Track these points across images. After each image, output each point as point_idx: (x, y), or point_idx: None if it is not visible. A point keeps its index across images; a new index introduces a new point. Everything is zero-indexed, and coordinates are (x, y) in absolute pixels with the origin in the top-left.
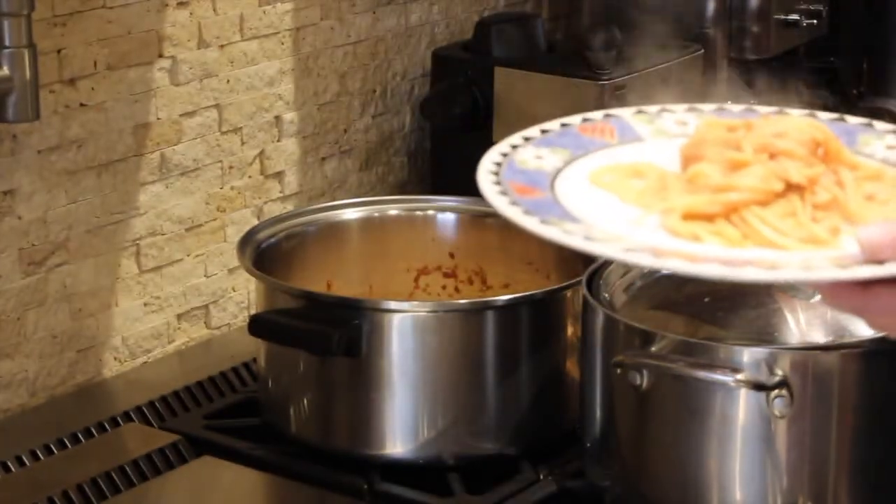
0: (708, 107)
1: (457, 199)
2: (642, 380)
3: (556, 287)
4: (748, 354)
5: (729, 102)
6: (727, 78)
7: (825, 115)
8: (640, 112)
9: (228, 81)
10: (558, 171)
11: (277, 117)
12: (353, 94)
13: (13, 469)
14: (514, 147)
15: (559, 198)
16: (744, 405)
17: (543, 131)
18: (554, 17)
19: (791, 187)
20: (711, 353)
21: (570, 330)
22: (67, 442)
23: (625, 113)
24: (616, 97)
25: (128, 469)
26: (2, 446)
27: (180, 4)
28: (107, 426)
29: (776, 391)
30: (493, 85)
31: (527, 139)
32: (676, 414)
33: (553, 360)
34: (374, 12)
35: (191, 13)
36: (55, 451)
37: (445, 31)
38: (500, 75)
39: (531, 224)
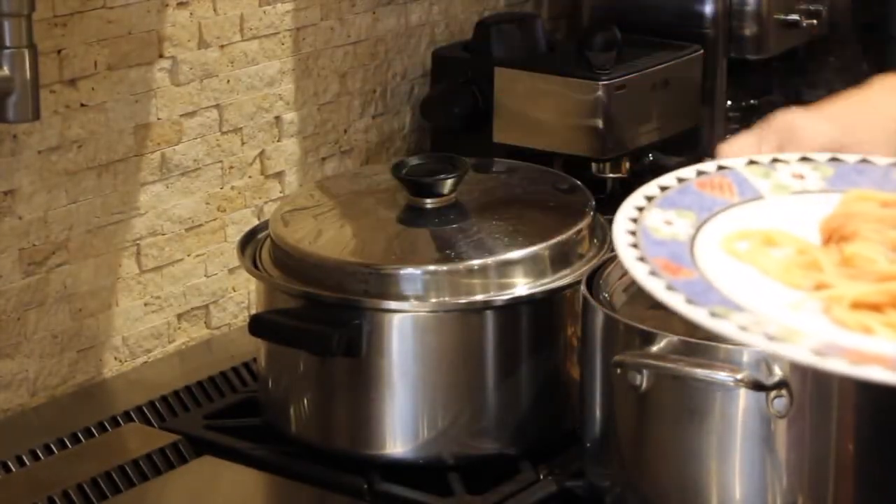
0: (821, 156)
1: None
2: (642, 380)
3: (556, 287)
4: (748, 354)
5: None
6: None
7: None
8: (752, 163)
9: (229, 81)
10: (692, 239)
11: (277, 117)
12: (353, 94)
13: (13, 469)
14: (640, 210)
15: (708, 277)
16: (743, 405)
17: (662, 188)
18: (554, 17)
19: None
20: (711, 353)
21: (570, 330)
22: (68, 442)
23: (737, 164)
24: (616, 97)
25: (128, 469)
26: (2, 446)
27: (180, 5)
28: (107, 426)
29: (776, 391)
30: (493, 85)
31: (649, 199)
32: (676, 414)
33: (553, 360)
34: (374, 12)
35: (191, 13)
36: (55, 451)
37: (445, 31)
38: (500, 75)
39: (699, 317)
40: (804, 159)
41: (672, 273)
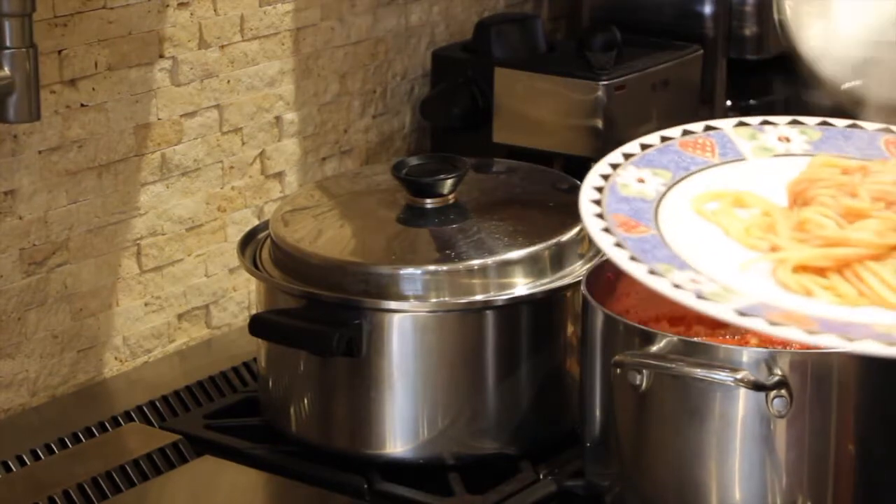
0: (811, 120)
1: None
2: (642, 380)
3: (556, 287)
4: (747, 354)
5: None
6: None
7: None
8: (741, 124)
9: (229, 82)
10: (661, 197)
11: (278, 117)
12: (353, 94)
13: (14, 468)
14: (615, 167)
15: (664, 233)
16: (743, 405)
17: (644, 146)
18: (554, 17)
19: None
20: (711, 353)
21: (570, 330)
22: (68, 441)
23: (726, 125)
24: (616, 97)
25: (128, 468)
26: (3, 446)
27: (181, 5)
28: (108, 426)
29: (775, 391)
30: (493, 85)
31: (627, 156)
32: (676, 414)
33: (553, 360)
34: (374, 13)
35: (191, 14)
36: (56, 451)
37: (445, 32)
38: (500, 75)
39: (639, 272)
40: (794, 122)
41: (627, 229)
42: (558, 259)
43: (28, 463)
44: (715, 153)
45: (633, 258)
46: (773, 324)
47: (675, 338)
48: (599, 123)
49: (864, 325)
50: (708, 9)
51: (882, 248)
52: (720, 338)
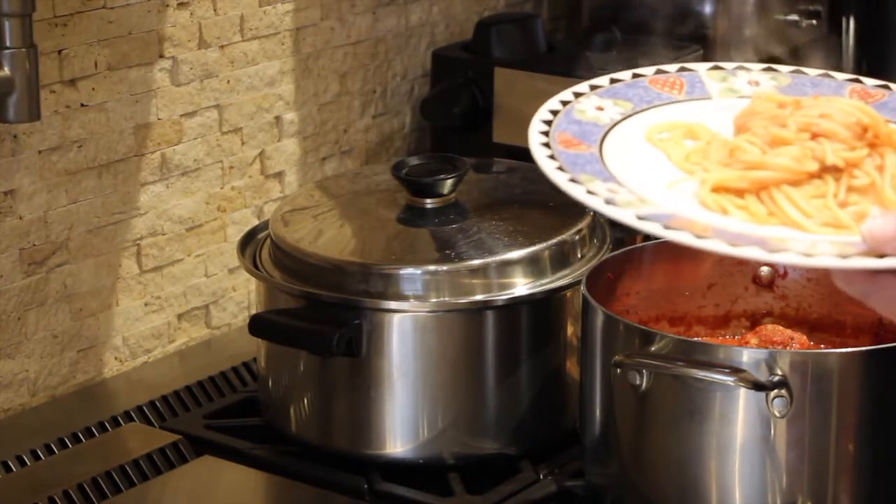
0: (785, 68)
1: None
2: (642, 380)
3: (556, 287)
4: (748, 354)
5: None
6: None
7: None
8: (715, 68)
9: (229, 82)
10: (615, 124)
11: (278, 117)
12: (353, 94)
13: (14, 469)
14: (578, 95)
15: (604, 154)
16: (743, 405)
17: (613, 81)
18: (554, 17)
19: (828, 169)
20: (711, 353)
21: (570, 330)
22: (68, 441)
23: (700, 68)
24: None
25: (128, 469)
26: (2, 446)
27: (181, 5)
28: (108, 426)
29: (776, 391)
30: (493, 85)
31: (594, 87)
32: (676, 414)
33: (553, 360)
34: (374, 12)
35: (191, 13)
36: (56, 451)
37: (445, 32)
38: (500, 75)
39: (560, 179)
40: (769, 69)
41: (566, 146)
42: (558, 259)
43: (28, 463)
44: (682, 91)
45: (559, 168)
46: (667, 227)
47: (675, 338)
48: None
49: (759, 237)
50: (708, 9)
51: (799, 174)
52: (720, 338)
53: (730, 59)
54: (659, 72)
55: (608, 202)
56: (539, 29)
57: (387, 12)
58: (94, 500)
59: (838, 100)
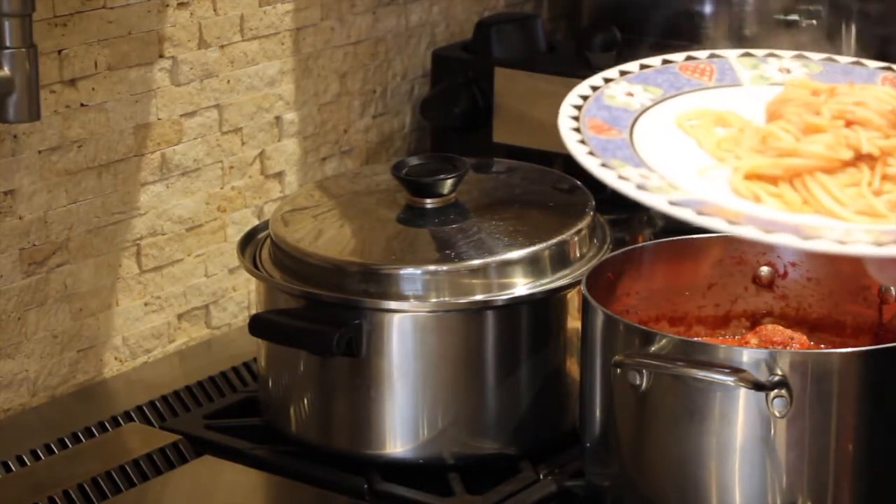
0: (817, 56)
1: None
2: (642, 380)
3: (556, 287)
4: (747, 354)
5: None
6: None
7: None
8: (746, 55)
9: (229, 82)
10: (645, 110)
11: (278, 117)
12: (353, 94)
13: (14, 469)
14: (608, 81)
15: (634, 139)
16: (743, 405)
17: (643, 66)
18: (554, 17)
19: (862, 157)
20: (711, 353)
21: (570, 330)
22: (68, 441)
23: (730, 54)
24: None
25: (128, 469)
26: (2, 446)
27: (181, 5)
28: (107, 426)
29: (775, 391)
30: (493, 85)
31: (623, 73)
32: (676, 414)
33: (553, 360)
34: (374, 12)
35: (191, 13)
36: (56, 451)
37: (445, 32)
38: (500, 75)
39: (591, 164)
40: (799, 56)
41: (598, 132)
42: (558, 259)
43: (28, 463)
44: (713, 78)
45: (590, 153)
46: (700, 213)
47: (676, 338)
48: None
49: (792, 224)
50: (708, 9)
51: (832, 161)
52: (720, 338)
53: None
54: (689, 58)
55: (640, 187)
56: (539, 29)
57: (387, 12)
58: (94, 500)
59: (873, 87)
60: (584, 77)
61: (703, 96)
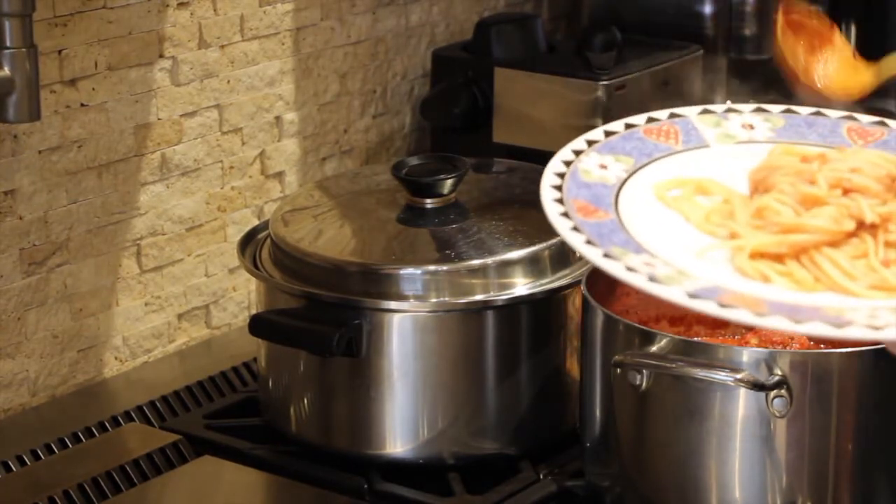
0: (776, 108)
1: None
2: (642, 379)
3: (556, 287)
4: (747, 354)
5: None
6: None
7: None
8: (705, 112)
9: (229, 82)
10: (623, 183)
11: (278, 117)
12: (353, 94)
13: (14, 468)
14: (577, 153)
15: (623, 218)
16: (743, 405)
17: (608, 133)
18: (554, 17)
19: (863, 226)
20: (711, 353)
21: (570, 330)
22: (68, 441)
23: (690, 113)
24: (616, 97)
25: (128, 469)
26: (2, 446)
27: (181, 5)
28: (108, 426)
29: (775, 391)
30: (493, 85)
31: (590, 143)
32: (676, 414)
33: (553, 360)
34: (374, 12)
35: (191, 13)
36: (56, 451)
37: (445, 32)
38: (500, 75)
39: (593, 255)
40: (759, 110)
41: (586, 214)
42: (558, 259)
43: (28, 463)
44: (679, 140)
45: (588, 242)
46: (723, 306)
47: (675, 338)
48: (599, 123)
49: (814, 307)
50: (708, 9)
51: (838, 235)
52: (720, 338)
53: (729, 59)
54: (650, 120)
55: (651, 279)
56: (539, 29)
57: (387, 12)
58: (94, 500)
59: (864, 151)
60: (584, 77)
61: (675, 161)
